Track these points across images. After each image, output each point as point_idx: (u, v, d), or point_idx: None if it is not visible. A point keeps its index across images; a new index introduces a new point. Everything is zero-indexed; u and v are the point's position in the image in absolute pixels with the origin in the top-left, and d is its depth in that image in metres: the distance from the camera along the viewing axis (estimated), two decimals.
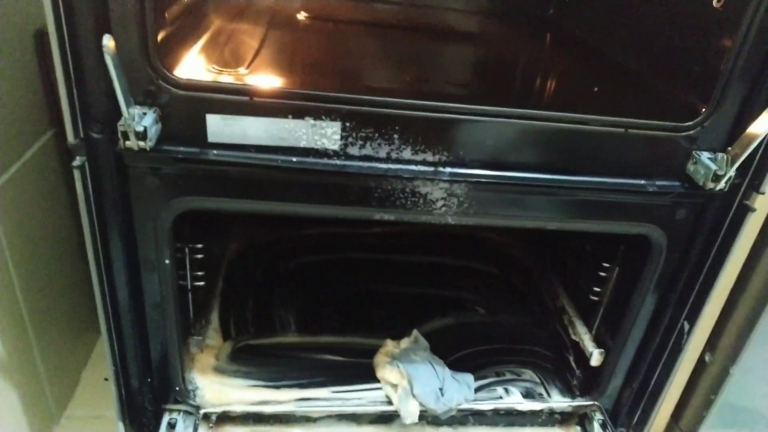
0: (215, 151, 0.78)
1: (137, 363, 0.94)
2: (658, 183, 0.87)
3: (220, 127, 0.77)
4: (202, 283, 1.01)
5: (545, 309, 1.32)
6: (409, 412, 1.01)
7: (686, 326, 1.01)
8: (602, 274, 1.09)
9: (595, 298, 1.11)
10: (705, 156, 0.85)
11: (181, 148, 0.77)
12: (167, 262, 0.86)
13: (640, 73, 1.02)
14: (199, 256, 0.99)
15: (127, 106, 0.70)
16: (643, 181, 0.87)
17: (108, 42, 0.63)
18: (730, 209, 0.91)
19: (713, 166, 0.83)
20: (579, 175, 0.86)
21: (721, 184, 0.84)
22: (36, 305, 1.05)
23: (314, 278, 1.42)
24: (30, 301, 1.02)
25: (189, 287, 0.99)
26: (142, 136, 0.71)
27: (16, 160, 0.97)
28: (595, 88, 0.93)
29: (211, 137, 0.77)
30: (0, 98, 0.92)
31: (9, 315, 0.97)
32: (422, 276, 1.49)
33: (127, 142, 0.72)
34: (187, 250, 0.97)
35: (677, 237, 0.94)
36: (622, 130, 0.83)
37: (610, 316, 1.09)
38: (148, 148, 0.73)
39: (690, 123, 0.84)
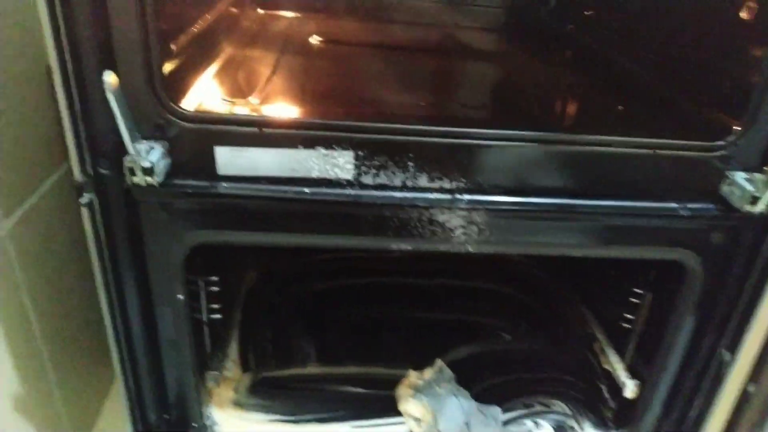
0: (225, 184, 0.76)
1: (154, 399, 0.93)
2: (690, 206, 0.83)
3: (229, 159, 0.75)
4: (218, 316, 0.99)
5: (573, 335, 1.27)
6: None
7: (727, 356, 0.95)
8: (634, 300, 1.04)
9: (628, 326, 1.06)
10: (740, 176, 0.80)
11: (191, 182, 0.76)
12: (180, 297, 0.84)
13: (666, 91, 0.98)
14: (215, 288, 0.97)
15: (133, 141, 0.68)
16: (674, 204, 0.83)
17: (108, 78, 0.62)
18: (766, 233, 0.86)
19: (750, 188, 0.78)
20: (605, 200, 0.82)
21: (759, 206, 0.79)
22: (53, 339, 1.04)
23: (334, 304, 1.39)
24: (47, 335, 1.02)
25: (205, 320, 0.97)
26: (149, 171, 0.70)
27: (31, 193, 0.97)
28: (620, 107, 0.89)
29: (221, 170, 0.76)
30: (14, 132, 0.92)
31: (26, 349, 0.97)
32: (444, 300, 1.45)
33: (134, 178, 0.71)
34: (201, 283, 0.95)
35: (713, 262, 0.88)
36: (650, 151, 0.79)
37: (644, 345, 1.04)
38: (156, 184, 0.71)
39: (722, 142, 0.80)
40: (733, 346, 0.95)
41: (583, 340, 1.22)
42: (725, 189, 0.81)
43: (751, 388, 1.01)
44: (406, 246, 0.83)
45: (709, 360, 0.97)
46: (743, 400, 1.04)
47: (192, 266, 0.89)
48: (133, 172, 0.70)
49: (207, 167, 0.75)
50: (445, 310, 1.42)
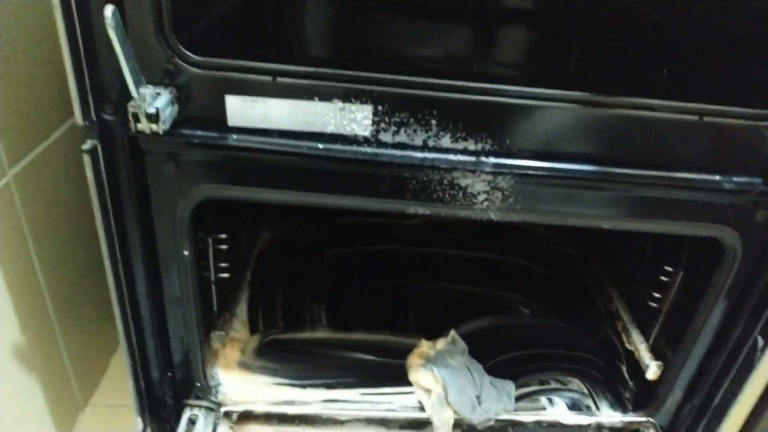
0: (236, 136, 0.71)
1: (157, 357, 0.90)
2: (735, 179, 0.76)
3: (240, 110, 0.70)
4: (226, 275, 0.95)
5: (596, 313, 1.22)
6: (443, 421, 0.94)
7: (760, 341, 0.90)
8: (664, 278, 0.98)
9: (655, 305, 1.00)
10: None
11: (199, 132, 0.71)
12: (186, 253, 0.80)
13: (715, 51, 0.90)
14: (224, 247, 0.93)
15: (137, 85, 0.63)
16: (717, 177, 0.76)
17: (109, 12, 0.57)
18: None
19: None
20: (643, 169, 0.75)
21: None
22: (59, 293, 1.02)
23: (349, 271, 1.35)
24: (53, 288, 0.99)
25: (212, 279, 0.94)
26: (154, 118, 0.65)
27: (39, 143, 0.94)
28: (664, 70, 0.81)
29: (231, 121, 0.71)
30: (23, 79, 0.88)
31: (32, 303, 0.95)
32: (463, 272, 1.40)
33: (139, 125, 0.66)
34: (210, 240, 0.91)
35: (755, 241, 0.82)
36: (696, 117, 0.72)
37: (670, 326, 0.99)
38: (161, 132, 0.67)
39: None
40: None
41: (606, 319, 1.17)
42: None
43: None
44: (424, 210, 0.78)
45: (740, 345, 0.91)
46: None
47: (200, 222, 0.85)
48: (137, 119, 0.66)
49: (217, 117, 0.71)
50: (462, 281, 1.37)
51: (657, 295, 1.00)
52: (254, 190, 0.76)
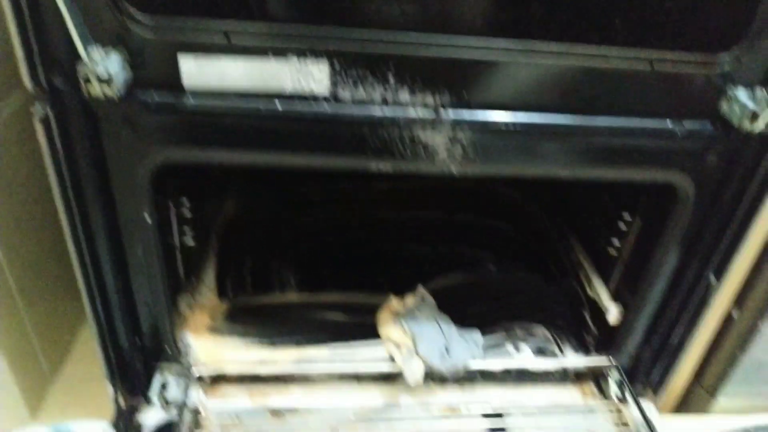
0: (192, 98, 0.70)
1: (124, 323, 0.90)
2: (687, 125, 0.78)
3: (195, 71, 0.69)
4: (191, 242, 0.95)
5: (560, 265, 1.25)
6: (413, 371, 0.96)
7: (713, 281, 0.94)
8: (622, 226, 1.01)
9: (614, 253, 1.04)
10: (741, 93, 0.75)
11: (155, 96, 0.70)
12: (148, 219, 0.79)
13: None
14: (187, 212, 0.93)
15: (86, 46, 0.62)
16: (670, 123, 0.78)
17: None
18: (765, 154, 0.82)
19: (751, 104, 0.73)
20: (598, 117, 0.77)
21: (760, 124, 0.75)
22: (21, 267, 1.00)
23: (317, 237, 1.36)
24: (14, 263, 0.97)
25: (177, 245, 0.93)
26: (107, 82, 0.63)
27: None
28: (616, 19, 0.82)
29: (187, 82, 0.70)
30: None
31: None
32: (431, 233, 1.42)
33: (91, 90, 0.64)
34: (172, 206, 0.90)
35: (706, 185, 0.85)
36: (648, 65, 0.74)
37: (629, 271, 1.02)
38: (115, 96, 0.65)
39: (725, 55, 0.74)
40: (720, 271, 0.93)
41: (569, 270, 1.21)
42: (724, 107, 0.77)
43: (735, 313, 1.01)
44: (387, 167, 0.78)
45: (695, 285, 0.96)
46: (725, 325, 1.04)
47: (161, 188, 0.84)
48: (89, 82, 0.64)
49: (172, 80, 0.69)
50: (430, 242, 1.39)
51: (616, 242, 1.03)
52: (214, 153, 0.75)
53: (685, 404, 1.16)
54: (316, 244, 1.31)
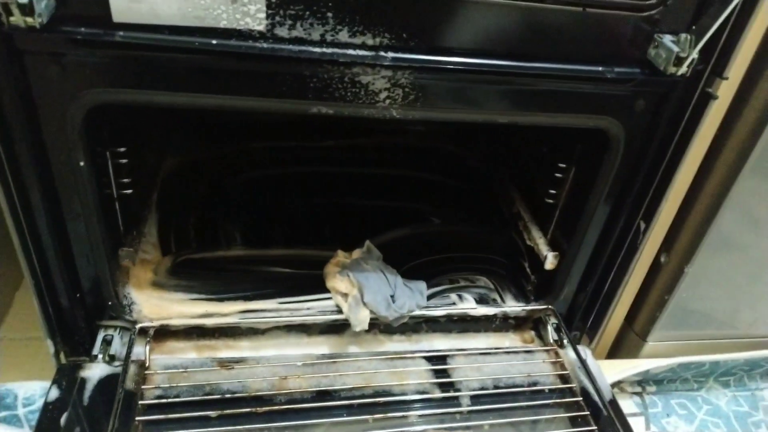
0: (122, 33, 0.68)
1: (63, 277, 0.87)
2: (617, 69, 0.81)
3: (125, 4, 0.67)
4: (129, 191, 0.93)
5: (502, 218, 1.29)
6: (360, 320, 0.98)
7: (642, 225, 0.99)
8: (558, 175, 1.05)
9: (551, 201, 1.07)
10: (667, 39, 0.79)
11: (82, 29, 0.67)
12: (83, 164, 0.77)
13: None
14: (124, 161, 0.90)
15: None
16: (600, 68, 0.81)
17: None
18: (691, 98, 0.86)
19: (675, 48, 0.77)
20: (534, 62, 0.79)
21: (683, 68, 0.78)
22: None
23: (263, 194, 1.35)
24: None
25: (115, 196, 0.91)
26: (27, 10, 0.61)
27: None
28: None
29: (117, 16, 0.67)
30: None
31: None
32: (377, 189, 1.43)
33: (12, 18, 0.62)
34: (108, 154, 0.88)
35: (636, 130, 0.89)
36: (579, 9, 0.76)
37: (565, 219, 1.06)
38: (38, 26, 0.63)
39: (653, 1, 0.77)
40: (648, 216, 0.98)
41: (509, 221, 1.24)
42: (652, 52, 0.80)
43: (663, 258, 1.07)
44: (327, 110, 0.79)
45: (626, 231, 1.00)
46: (654, 270, 1.09)
47: (96, 134, 0.82)
48: (9, 11, 0.61)
49: (100, 13, 0.67)
50: (377, 197, 1.40)
51: (553, 191, 1.07)
52: (147, 93, 0.74)
53: (617, 348, 1.22)
54: (261, 200, 1.30)
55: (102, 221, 0.84)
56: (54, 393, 0.89)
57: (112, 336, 0.96)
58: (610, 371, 1.08)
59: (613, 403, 0.98)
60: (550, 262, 1.05)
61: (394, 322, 1.00)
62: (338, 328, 1.05)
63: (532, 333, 1.13)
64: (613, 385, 1.07)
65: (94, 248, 0.86)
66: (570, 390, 0.99)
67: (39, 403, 0.92)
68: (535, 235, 1.10)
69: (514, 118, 0.86)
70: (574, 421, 0.95)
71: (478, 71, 0.78)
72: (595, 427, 0.92)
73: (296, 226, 1.28)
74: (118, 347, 0.95)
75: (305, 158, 1.45)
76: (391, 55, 0.74)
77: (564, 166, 1.04)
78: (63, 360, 0.96)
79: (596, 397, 0.97)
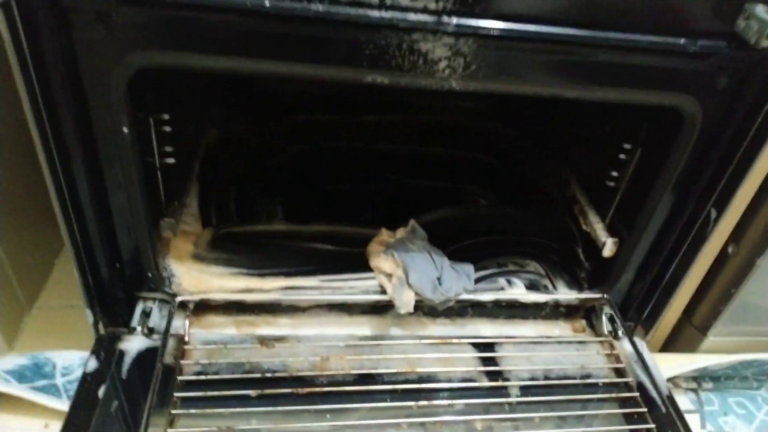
0: None
1: (103, 247, 0.85)
2: (700, 42, 0.74)
3: None
4: (172, 161, 0.90)
5: (552, 200, 1.22)
6: (404, 302, 0.93)
7: (713, 213, 0.92)
8: (622, 156, 0.98)
9: (612, 184, 1.00)
10: (760, 9, 0.71)
11: None
12: (126, 131, 0.74)
13: None
14: (167, 129, 0.87)
15: None
16: (682, 40, 0.74)
17: None
18: None
19: None
20: (608, 31, 0.72)
21: None
22: None
23: (304, 169, 1.31)
24: None
25: (157, 165, 0.88)
26: None
27: None
28: None
29: None
30: None
31: None
32: (421, 168, 1.38)
33: None
34: (151, 121, 0.85)
35: (714, 110, 0.81)
36: None
37: (627, 204, 0.99)
38: None
39: None
40: (721, 204, 0.90)
41: (562, 204, 1.18)
42: (741, 24, 0.72)
43: (731, 249, 0.99)
44: (383, 79, 0.73)
45: (694, 218, 0.93)
46: (719, 261, 1.02)
47: (139, 100, 0.78)
48: None
49: None
50: (421, 177, 1.35)
51: (614, 174, 1.00)
52: (195, 57, 0.70)
53: (673, 342, 1.15)
54: (303, 176, 1.27)
55: (144, 191, 0.81)
56: (92, 364, 0.88)
57: (151, 308, 0.94)
58: (666, 366, 1.03)
59: (671, 399, 0.92)
60: (609, 249, 0.98)
61: (440, 305, 0.96)
62: (381, 309, 1.01)
63: (583, 323, 1.08)
64: (668, 380, 1.01)
65: (135, 218, 0.83)
66: (626, 384, 0.94)
67: (77, 373, 0.91)
68: (593, 220, 1.04)
69: (583, 93, 0.79)
70: (629, 418, 0.89)
71: (548, 40, 0.71)
72: (653, 425, 0.87)
73: (338, 203, 1.25)
74: (156, 320, 0.93)
75: (348, 134, 1.40)
76: (454, 20, 0.69)
77: (629, 147, 0.97)
78: (102, 330, 0.94)
79: (654, 393, 0.92)
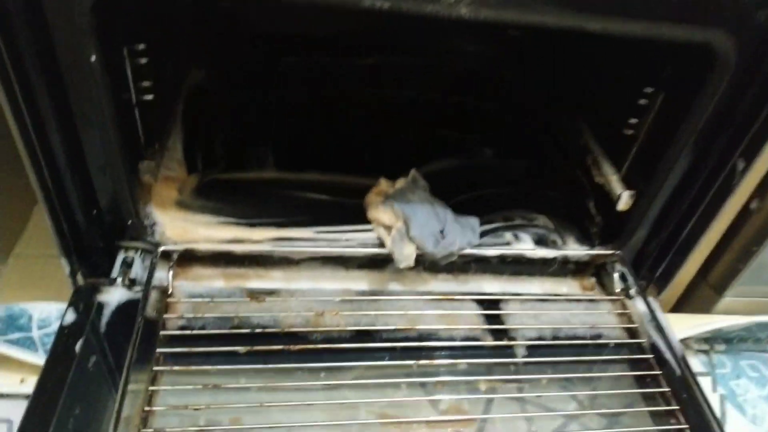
0: None
1: (77, 191, 0.78)
2: None
3: None
4: (150, 98, 0.82)
5: (562, 151, 1.15)
6: (405, 255, 0.87)
7: (740, 165, 0.84)
8: (642, 101, 0.90)
9: (630, 132, 0.93)
10: None
11: None
12: (94, 60, 0.66)
13: None
14: (143, 60, 0.79)
15: None
16: None
17: None
18: None
19: None
20: None
21: None
22: None
23: (297, 114, 1.23)
24: None
25: (134, 101, 0.80)
26: None
27: None
28: None
29: None
30: None
31: None
32: (423, 115, 1.30)
33: None
34: (126, 51, 0.76)
35: (751, 47, 0.73)
36: None
37: (645, 154, 0.92)
38: None
39: None
40: (750, 155, 0.83)
41: (573, 155, 1.10)
42: None
43: (754, 204, 0.93)
44: (382, 4, 0.65)
45: (719, 170, 0.86)
46: (740, 218, 0.96)
47: (110, 28, 0.70)
48: None
49: None
50: (422, 123, 1.27)
51: (633, 121, 0.92)
52: None
53: (686, 302, 1.10)
54: (296, 121, 1.19)
55: (119, 130, 0.74)
56: (70, 316, 0.82)
57: (133, 258, 0.87)
58: (678, 326, 0.97)
59: (686, 362, 0.87)
60: (625, 202, 0.91)
61: (442, 260, 0.90)
62: (379, 263, 0.95)
63: (593, 280, 1.02)
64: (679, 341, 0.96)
65: (110, 160, 0.76)
66: (638, 345, 0.88)
67: (55, 326, 0.85)
68: (607, 171, 0.97)
69: (605, 25, 0.71)
70: (641, 381, 0.84)
71: None
72: (667, 389, 0.82)
73: (333, 151, 1.17)
74: (139, 271, 0.87)
75: (345, 77, 1.31)
76: None
77: (650, 91, 0.88)
78: (81, 282, 0.88)
79: (668, 355, 0.86)
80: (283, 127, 1.17)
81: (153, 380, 0.73)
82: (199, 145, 1.04)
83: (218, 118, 1.11)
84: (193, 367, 0.76)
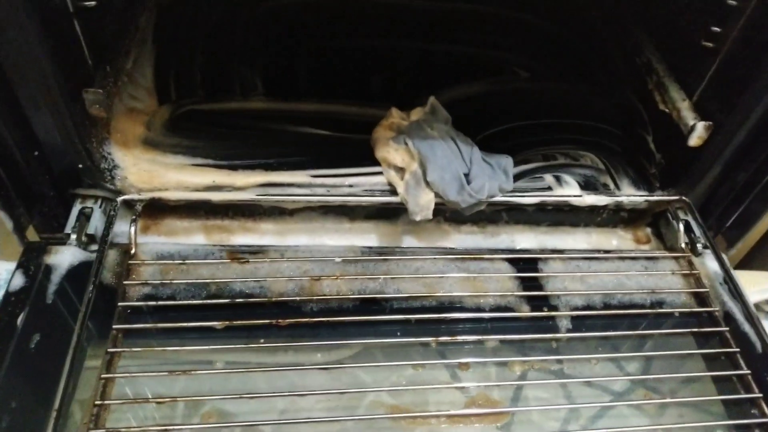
0: None
1: (8, 127, 0.62)
2: None
3: None
4: (92, 3, 0.63)
5: (614, 71, 0.95)
6: (421, 205, 0.71)
7: None
8: (732, 2, 0.69)
9: (710, 45, 0.73)
10: None
11: None
12: None
13: None
14: None
15: None
16: None
17: None
18: None
19: None
20: None
21: None
22: None
23: (291, 30, 1.02)
24: None
25: (70, 8, 0.62)
26: None
27: None
28: None
29: None
30: None
31: None
32: (443, 29, 1.08)
33: None
34: None
35: None
36: None
37: (728, 74, 0.73)
38: None
39: None
40: None
41: (628, 77, 0.91)
42: None
43: None
44: None
45: None
46: None
47: None
48: None
49: None
50: (442, 39, 1.06)
51: (715, 29, 0.72)
52: None
53: (751, 259, 0.92)
54: (291, 37, 0.99)
55: (50, 46, 0.57)
56: (18, 281, 0.68)
57: (92, 210, 0.72)
58: (752, 288, 0.80)
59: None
60: (699, 135, 0.73)
61: (467, 209, 0.73)
62: (390, 212, 0.79)
63: (648, 231, 0.85)
64: None
65: (40, 83, 0.59)
66: (710, 315, 0.72)
67: (2, 292, 0.71)
68: (675, 96, 0.78)
69: None
70: (713, 360, 0.69)
71: None
72: (746, 371, 0.66)
73: (335, 74, 0.98)
74: (99, 225, 0.71)
75: None
76: None
77: None
78: (33, 238, 0.73)
79: (747, 327, 0.70)
80: (274, 42, 0.97)
81: (108, 366, 0.60)
82: (173, 69, 0.86)
83: (196, 34, 0.92)
84: (158, 348, 0.62)
